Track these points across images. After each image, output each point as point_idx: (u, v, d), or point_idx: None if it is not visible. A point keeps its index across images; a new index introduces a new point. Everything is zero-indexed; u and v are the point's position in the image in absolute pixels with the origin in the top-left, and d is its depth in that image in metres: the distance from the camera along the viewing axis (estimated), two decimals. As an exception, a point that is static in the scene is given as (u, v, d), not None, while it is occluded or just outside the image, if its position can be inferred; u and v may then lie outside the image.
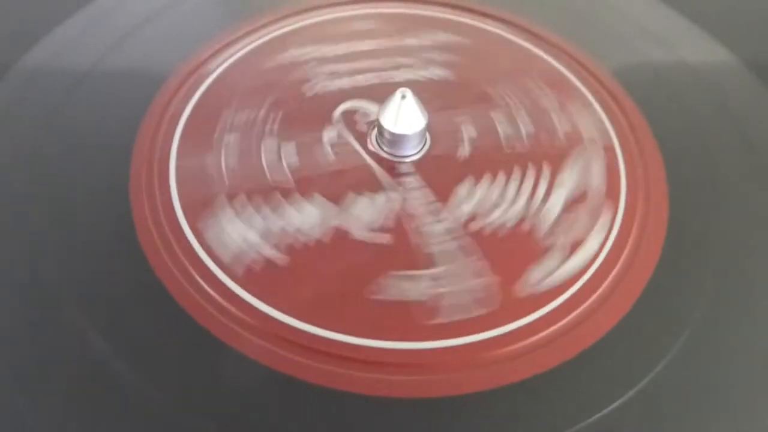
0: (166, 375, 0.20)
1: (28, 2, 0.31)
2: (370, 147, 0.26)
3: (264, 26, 0.30)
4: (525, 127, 0.27)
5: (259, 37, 0.30)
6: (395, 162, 0.26)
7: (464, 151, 0.26)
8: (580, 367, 0.21)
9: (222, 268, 0.22)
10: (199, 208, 0.24)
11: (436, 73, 0.29)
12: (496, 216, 0.24)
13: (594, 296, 0.23)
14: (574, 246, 0.24)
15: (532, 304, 0.22)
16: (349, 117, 0.27)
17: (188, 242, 0.23)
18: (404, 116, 0.25)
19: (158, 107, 0.27)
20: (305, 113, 0.27)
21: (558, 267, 0.23)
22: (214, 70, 0.28)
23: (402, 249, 0.23)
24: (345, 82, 0.28)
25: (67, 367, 0.21)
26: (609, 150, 0.27)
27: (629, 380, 0.21)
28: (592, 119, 0.28)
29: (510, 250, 0.23)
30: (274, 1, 0.31)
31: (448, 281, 0.22)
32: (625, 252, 0.24)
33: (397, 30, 0.31)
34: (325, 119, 0.27)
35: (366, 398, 0.20)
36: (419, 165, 0.26)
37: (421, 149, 0.26)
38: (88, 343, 0.21)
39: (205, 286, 0.22)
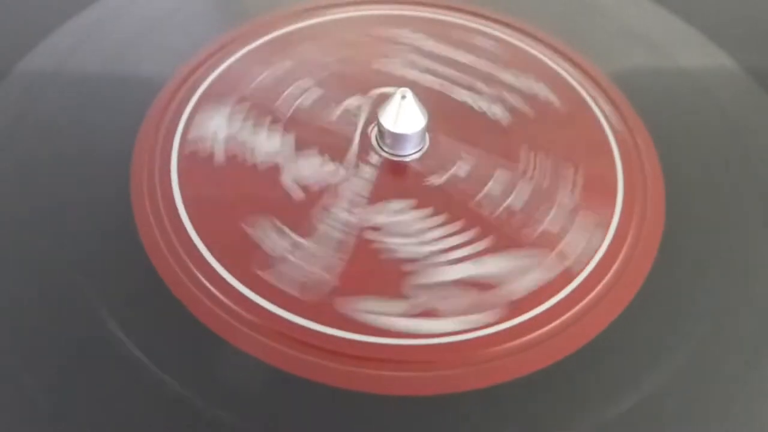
0: (169, 371, 0.21)
1: (25, 8, 0.31)
2: (368, 130, 0.27)
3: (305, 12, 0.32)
4: (514, 200, 0.25)
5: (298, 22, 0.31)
6: (375, 151, 0.26)
7: (437, 180, 0.25)
8: (573, 367, 0.21)
9: (225, 267, 0.23)
10: (202, 208, 0.24)
11: (495, 112, 0.28)
12: (395, 241, 0.24)
13: (584, 301, 0.23)
14: (426, 313, 0.22)
15: (528, 303, 0.22)
16: (382, 98, 0.28)
17: (193, 243, 0.23)
18: (404, 116, 0.26)
19: (158, 108, 0.27)
20: (356, 78, 0.29)
21: (392, 316, 0.22)
22: (223, 61, 0.29)
23: (300, 210, 0.24)
24: (411, 74, 0.29)
25: (73, 364, 0.21)
26: (607, 154, 0.27)
27: (624, 380, 0.21)
28: (590, 236, 0.24)
29: (373, 270, 0.23)
30: (272, 4, 0.32)
31: (302, 255, 0.23)
32: (620, 256, 0.24)
33: (507, 61, 0.30)
34: (364, 90, 0.28)
35: (361, 395, 0.21)
36: (388, 164, 0.26)
37: (418, 152, 0.26)
38: (94, 341, 0.21)
39: (209, 285, 0.22)
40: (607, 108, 0.28)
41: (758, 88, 0.29)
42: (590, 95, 0.29)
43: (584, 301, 0.23)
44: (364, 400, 0.21)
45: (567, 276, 0.23)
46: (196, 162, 0.26)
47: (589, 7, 0.33)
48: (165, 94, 0.28)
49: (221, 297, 0.22)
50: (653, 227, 0.25)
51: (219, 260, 0.23)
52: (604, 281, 0.23)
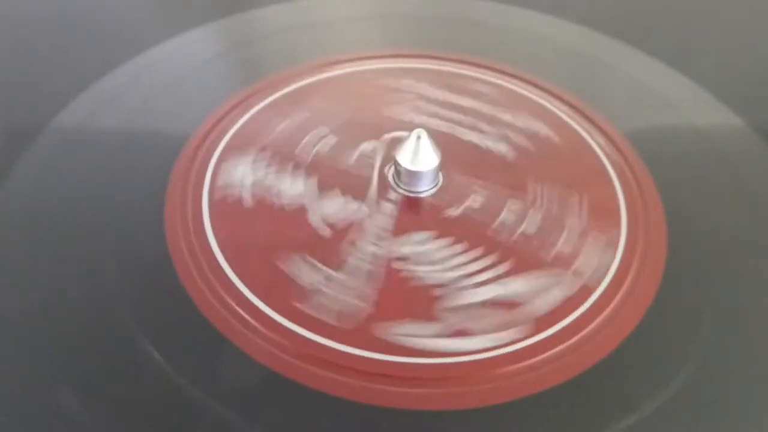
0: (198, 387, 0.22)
1: (58, 70, 0.34)
2: (385, 170, 0.29)
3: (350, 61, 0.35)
4: (527, 226, 0.27)
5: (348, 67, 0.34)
6: (393, 189, 0.28)
7: (454, 212, 0.27)
8: (572, 392, 0.22)
9: (265, 302, 0.24)
10: (237, 249, 0.26)
11: (500, 148, 0.30)
12: (422, 269, 0.25)
13: (602, 315, 0.24)
14: (459, 333, 0.23)
15: (552, 318, 0.24)
16: (394, 142, 0.30)
17: (232, 283, 0.25)
18: (420, 155, 0.28)
19: (186, 159, 0.29)
20: (368, 124, 0.31)
21: (427, 337, 0.23)
22: (249, 110, 0.32)
23: (329, 246, 0.26)
24: (419, 119, 0.31)
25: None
26: (607, 182, 0.28)
27: (642, 391, 0.22)
28: (601, 255, 0.26)
29: (405, 298, 0.24)
30: (287, 62, 0.35)
31: (335, 287, 0.24)
32: (631, 272, 0.25)
33: (504, 103, 0.33)
34: (377, 135, 0.30)
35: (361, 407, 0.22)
36: (406, 200, 0.28)
37: (433, 188, 0.28)
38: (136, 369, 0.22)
39: (252, 321, 0.24)
40: (602, 140, 0.31)
41: (766, 145, 0.31)
42: (586, 131, 0.31)
43: (602, 315, 0.24)
44: (403, 416, 0.21)
45: (585, 291, 0.25)
46: (226, 207, 0.27)
47: (599, 65, 0.36)
48: (191, 146, 0.30)
49: (263, 330, 0.23)
50: (658, 250, 0.27)
51: (258, 296, 0.24)
52: (619, 295, 0.25)
